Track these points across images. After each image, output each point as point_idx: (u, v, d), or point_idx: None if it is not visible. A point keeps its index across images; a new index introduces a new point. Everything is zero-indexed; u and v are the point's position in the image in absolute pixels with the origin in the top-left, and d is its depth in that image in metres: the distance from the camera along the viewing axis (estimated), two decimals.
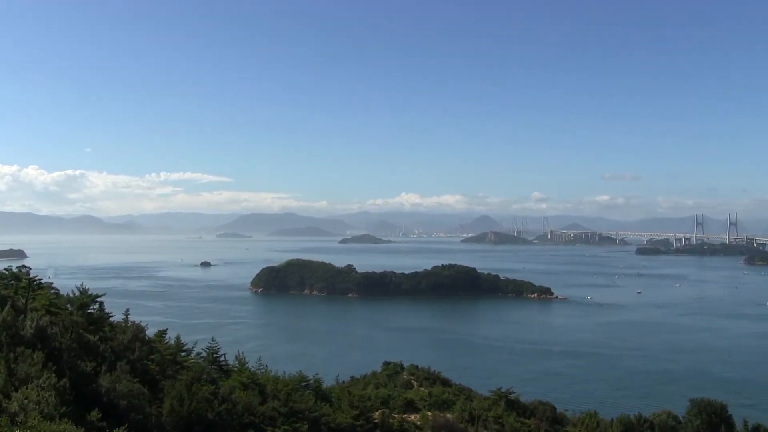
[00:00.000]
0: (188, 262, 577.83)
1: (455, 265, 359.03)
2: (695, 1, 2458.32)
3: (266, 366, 49.05)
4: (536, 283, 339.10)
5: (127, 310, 42.95)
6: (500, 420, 52.74)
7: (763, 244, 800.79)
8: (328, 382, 59.64)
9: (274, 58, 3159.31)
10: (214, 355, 47.50)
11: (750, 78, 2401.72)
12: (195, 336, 61.95)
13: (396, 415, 50.50)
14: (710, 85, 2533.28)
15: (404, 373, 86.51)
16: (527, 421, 56.48)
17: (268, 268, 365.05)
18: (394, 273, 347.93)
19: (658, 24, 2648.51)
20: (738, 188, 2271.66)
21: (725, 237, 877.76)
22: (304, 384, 47.44)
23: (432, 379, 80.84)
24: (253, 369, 46.32)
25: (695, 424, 63.12)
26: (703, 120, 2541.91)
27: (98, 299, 39.98)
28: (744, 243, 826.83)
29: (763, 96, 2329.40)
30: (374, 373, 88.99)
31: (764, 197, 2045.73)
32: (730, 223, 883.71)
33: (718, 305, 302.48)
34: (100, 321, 38.47)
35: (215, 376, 41.19)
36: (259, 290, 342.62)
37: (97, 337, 34.79)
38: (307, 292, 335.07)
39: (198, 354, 47.01)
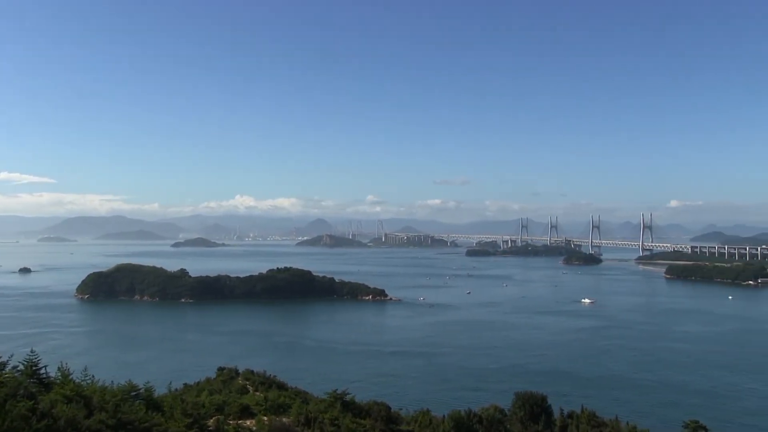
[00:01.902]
0: (5, 269, 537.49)
1: (291, 268, 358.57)
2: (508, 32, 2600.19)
3: (93, 376, 46.43)
4: (371, 285, 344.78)
5: None
6: (336, 422, 52.98)
7: (579, 245, 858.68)
8: (160, 391, 57.49)
9: (99, 53, 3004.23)
10: (34, 368, 44.37)
11: (566, 96, 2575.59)
12: (11, 348, 57.80)
13: (231, 422, 49.59)
14: (530, 103, 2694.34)
15: (239, 378, 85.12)
16: (363, 421, 57.02)
17: (95, 273, 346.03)
18: (228, 277, 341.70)
19: (478, 44, 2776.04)
20: (558, 193, 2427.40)
21: (547, 239, 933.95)
22: (134, 393, 45.35)
23: (268, 383, 80.00)
24: (78, 380, 43.70)
25: (519, 416, 66.82)
26: (526, 131, 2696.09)
27: None
28: (563, 244, 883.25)
29: (579, 112, 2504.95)
30: (208, 380, 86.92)
31: (580, 201, 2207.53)
32: (551, 226, 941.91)
33: (540, 303, 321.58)
34: None
35: (34, 390, 38.53)
36: (86, 297, 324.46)
37: None
38: (137, 297, 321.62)
39: (14, 368, 43.71)
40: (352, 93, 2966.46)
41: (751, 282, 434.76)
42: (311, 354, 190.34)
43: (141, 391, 46.69)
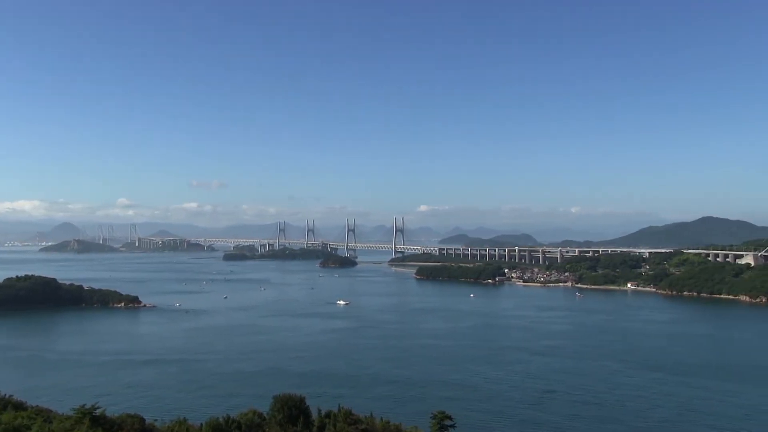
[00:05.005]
0: None
1: (33, 276, 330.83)
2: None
3: None
4: (123, 292, 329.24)
5: None
6: None
7: (336, 249, 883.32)
8: None
9: None
10: None
11: (320, 98, 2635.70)
12: None
13: None
14: (285, 103, 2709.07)
15: None
16: None
17: None
18: None
19: (237, 38, 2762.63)
20: (313, 197, 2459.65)
21: (304, 242, 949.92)
22: None
23: (2, 404, 74.19)
24: None
25: (278, 419, 67.68)
26: (282, 132, 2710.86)
27: None
28: (320, 247, 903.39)
29: (331, 115, 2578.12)
30: None
31: (335, 206, 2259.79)
32: (308, 230, 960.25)
33: (297, 306, 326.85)
34: None
35: None
36: None
37: None
38: None
39: None
40: (100, 86, 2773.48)
41: (490, 280, 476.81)
42: (56, 368, 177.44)
43: None
